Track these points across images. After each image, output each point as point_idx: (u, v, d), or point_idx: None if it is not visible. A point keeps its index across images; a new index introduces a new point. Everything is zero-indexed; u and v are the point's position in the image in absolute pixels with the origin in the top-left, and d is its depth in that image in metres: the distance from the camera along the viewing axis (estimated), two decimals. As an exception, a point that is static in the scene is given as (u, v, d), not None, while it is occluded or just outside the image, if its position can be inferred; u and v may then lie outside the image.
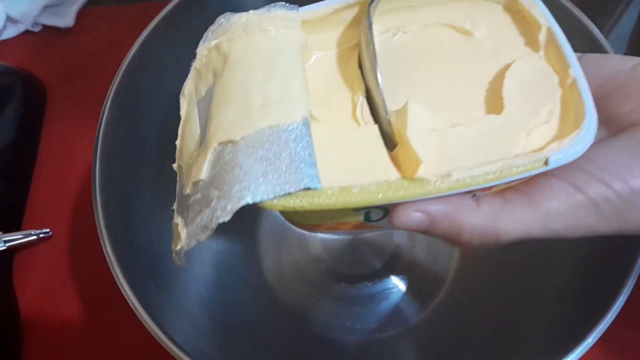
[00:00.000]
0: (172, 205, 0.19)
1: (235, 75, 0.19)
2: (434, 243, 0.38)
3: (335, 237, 0.39)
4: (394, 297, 0.37)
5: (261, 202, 0.17)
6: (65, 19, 0.48)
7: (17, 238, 0.38)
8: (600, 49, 0.28)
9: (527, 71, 0.19)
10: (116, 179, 0.29)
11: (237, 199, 0.17)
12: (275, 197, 0.17)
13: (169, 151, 0.34)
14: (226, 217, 0.17)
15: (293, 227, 0.23)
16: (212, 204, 0.17)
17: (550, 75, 0.19)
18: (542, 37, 0.20)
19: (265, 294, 0.36)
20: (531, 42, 0.20)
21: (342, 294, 0.37)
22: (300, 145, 0.18)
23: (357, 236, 0.38)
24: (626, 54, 0.30)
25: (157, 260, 0.31)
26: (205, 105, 0.20)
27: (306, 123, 0.18)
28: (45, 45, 0.48)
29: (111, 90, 0.29)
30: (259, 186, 0.17)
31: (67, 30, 0.49)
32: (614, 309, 0.24)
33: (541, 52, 0.20)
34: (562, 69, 0.19)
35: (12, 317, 0.37)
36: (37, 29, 0.49)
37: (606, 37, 0.29)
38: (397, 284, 0.38)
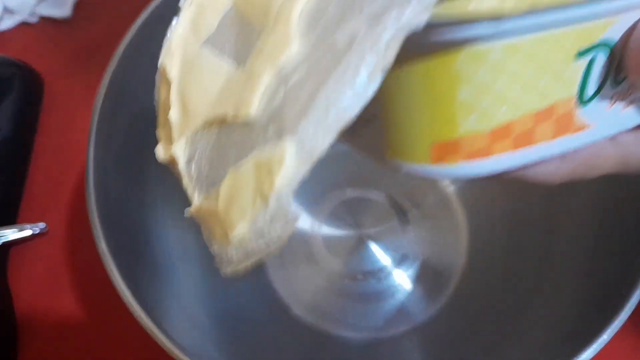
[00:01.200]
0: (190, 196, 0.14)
1: None
2: (441, 240, 0.38)
3: (339, 233, 0.38)
4: (400, 295, 0.36)
5: None
6: (63, 9, 0.48)
7: (11, 232, 0.38)
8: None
9: None
10: (112, 172, 0.28)
11: None
12: None
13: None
14: (424, 16, 0.11)
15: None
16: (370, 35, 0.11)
17: None
18: None
19: (267, 290, 0.36)
20: None
21: (347, 291, 0.37)
22: None
23: (362, 232, 0.38)
24: None
25: (155, 255, 0.30)
26: (235, 30, 0.14)
27: None
28: (43, 36, 0.48)
29: (105, 81, 0.28)
30: None
31: (65, 21, 0.48)
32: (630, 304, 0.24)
33: None
34: None
35: (7, 314, 0.37)
36: (34, 20, 0.48)
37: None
38: (403, 282, 0.37)
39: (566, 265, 0.31)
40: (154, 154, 0.31)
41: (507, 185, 0.35)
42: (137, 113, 0.30)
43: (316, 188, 0.39)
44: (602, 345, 0.23)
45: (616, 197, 0.29)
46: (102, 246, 0.24)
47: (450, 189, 0.39)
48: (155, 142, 0.31)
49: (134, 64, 0.29)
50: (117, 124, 0.29)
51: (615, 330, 0.23)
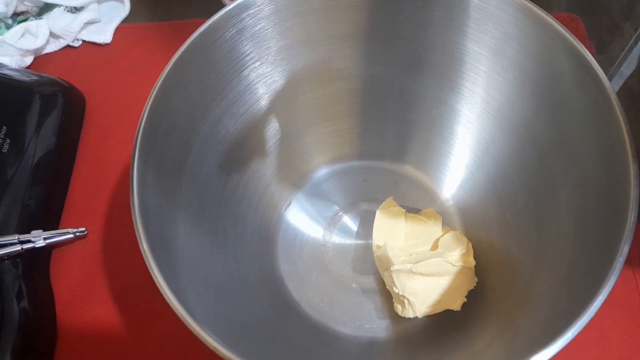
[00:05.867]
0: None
1: None
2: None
3: (349, 241, 0.41)
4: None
5: None
6: (104, 35, 0.52)
7: (55, 235, 0.41)
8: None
9: None
10: (149, 185, 0.30)
11: None
12: None
13: (206, 158, 0.35)
14: None
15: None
16: None
17: None
18: None
19: (280, 290, 0.38)
20: None
21: (354, 294, 0.39)
22: None
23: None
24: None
25: (182, 258, 0.32)
26: None
27: None
28: (85, 59, 0.52)
29: (149, 101, 0.31)
30: None
31: (105, 46, 0.52)
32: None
33: None
34: None
35: (49, 312, 0.39)
36: (77, 44, 0.52)
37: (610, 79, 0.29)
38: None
39: (552, 274, 0.31)
40: (191, 169, 0.33)
41: (500, 199, 0.38)
42: (175, 132, 0.33)
43: (339, 202, 0.43)
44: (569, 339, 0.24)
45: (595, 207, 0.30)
46: (144, 246, 0.27)
47: (449, 203, 0.41)
48: (191, 160, 0.34)
49: (172, 89, 0.32)
50: (154, 143, 0.31)
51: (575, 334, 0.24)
